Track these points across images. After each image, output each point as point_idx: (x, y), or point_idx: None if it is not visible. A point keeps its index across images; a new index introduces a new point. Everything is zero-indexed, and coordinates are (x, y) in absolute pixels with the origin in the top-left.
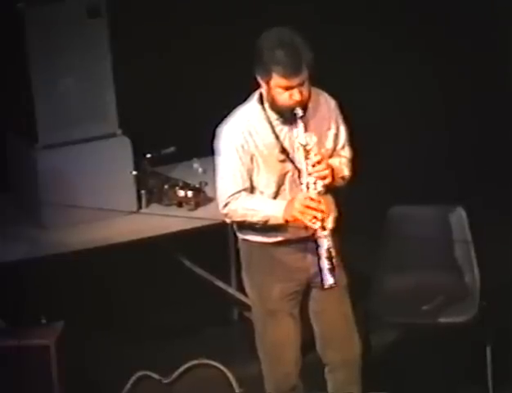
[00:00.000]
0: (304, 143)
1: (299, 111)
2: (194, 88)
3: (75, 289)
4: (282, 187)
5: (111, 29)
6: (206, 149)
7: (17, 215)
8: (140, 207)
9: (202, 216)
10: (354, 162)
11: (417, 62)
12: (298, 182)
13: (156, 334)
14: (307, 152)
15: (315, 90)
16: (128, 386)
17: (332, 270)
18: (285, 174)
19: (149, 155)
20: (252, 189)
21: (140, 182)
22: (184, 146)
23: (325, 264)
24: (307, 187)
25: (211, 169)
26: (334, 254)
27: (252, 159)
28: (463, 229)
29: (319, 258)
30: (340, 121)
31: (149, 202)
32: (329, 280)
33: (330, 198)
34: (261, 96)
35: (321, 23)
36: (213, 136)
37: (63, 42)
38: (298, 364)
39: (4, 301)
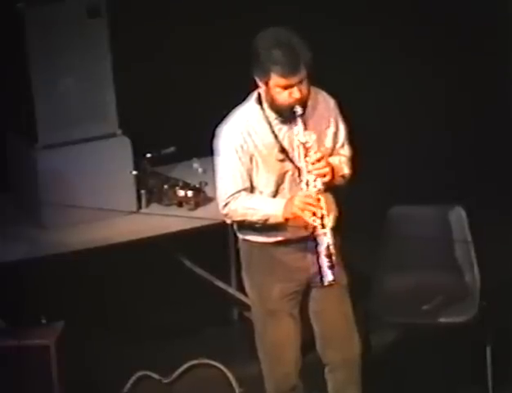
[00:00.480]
0: (304, 141)
1: (299, 109)
2: (194, 88)
3: (75, 289)
4: (282, 187)
5: (111, 29)
6: (206, 149)
7: (17, 215)
8: (140, 207)
9: (202, 216)
10: (354, 161)
11: (418, 62)
12: (297, 181)
13: (156, 334)
14: (306, 150)
15: (314, 89)
16: (128, 386)
17: (332, 267)
18: (284, 174)
19: (149, 155)
20: (252, 189)
21: (140, 182)
22: (184, 146)
23: (325, 262)
24: (307, 185)
25: (211, 169)
26: (333, 251)
27: (251, 159)
28: (463, 229)
29: (318, 255)
30: (339, 120)
31: (149, 202)
32: (328, 277)
33: (330, 197)
34: (259, 96)
35: (320, 23)
36: (212, 136)
37: (63, 42)
38: (298, 364)
39: (4, 301)
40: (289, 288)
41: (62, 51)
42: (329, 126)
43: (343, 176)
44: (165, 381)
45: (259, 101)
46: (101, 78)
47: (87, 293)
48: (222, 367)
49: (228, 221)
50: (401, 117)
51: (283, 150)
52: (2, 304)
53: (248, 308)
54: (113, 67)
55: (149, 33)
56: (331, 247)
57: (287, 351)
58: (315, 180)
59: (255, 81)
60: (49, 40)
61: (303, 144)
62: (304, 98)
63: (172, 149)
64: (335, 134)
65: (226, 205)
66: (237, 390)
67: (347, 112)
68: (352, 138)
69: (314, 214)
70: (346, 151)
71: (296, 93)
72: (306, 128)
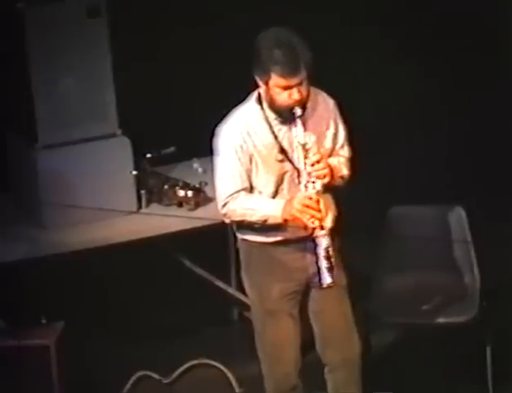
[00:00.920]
0: (303, 142)
1: (298, 110)
2: (194, 88)
3: (75, 289)
4: (281, 187)
5: (111, 29)
6: (206, 149)
7: (17, 215)
8: (140, 207)
9: (202, 216)
10: (353, 162)
11: (416, 62)
12: (296, 181)
13: (156, 334)
14: (306, 151)
15: (313, 90)
16: (128, 386)
17: (330, 269)
18: (283, 174)
19: (149, 155)
20: (251, 189)
21: (140, 182)
22: (184, 146)
23: (324, 264)
24: (306, 187)
25: (211, 169)
26: (332, 253)
27: (251, 159)
28: (462, 229)
29: (317, 257)
30: (339, 121)
31: (149, 202)
32: (327, 279)
33: (329, 198)
34: (259, 96)
35: (320, 23)
36: (212, 136)
37: (63, 42)
38: (298, 364)
39: (4, 301)
40: (288, 288)
41: (62, 51)
42: (328, 127)
43: (342, 177)
44: (165, 381)
45: (259, 101)
46: (101, 78)
47: (87, 293)
48: (222, 367)
49: (227, 221)
50: (401, 117)
51: (282, 150)
52: (2, 304)
53: (248, 308)
54: (113, 67)
55: (149, 33)
56: (330, 249)
57: (287, 351)
58: (314, 181)
59: (255, 81)
60: (49, 40)
61: (303, 145)
62: (304, 100)
63: (172, 149)
64: (335, 135)
65: (225, 205)
66: (237, 390)
67: (346, 112)
68: (351, 139)
69: (313, 216)
70: (345, 151)
71: (295, 95)
72: (305, 129)
